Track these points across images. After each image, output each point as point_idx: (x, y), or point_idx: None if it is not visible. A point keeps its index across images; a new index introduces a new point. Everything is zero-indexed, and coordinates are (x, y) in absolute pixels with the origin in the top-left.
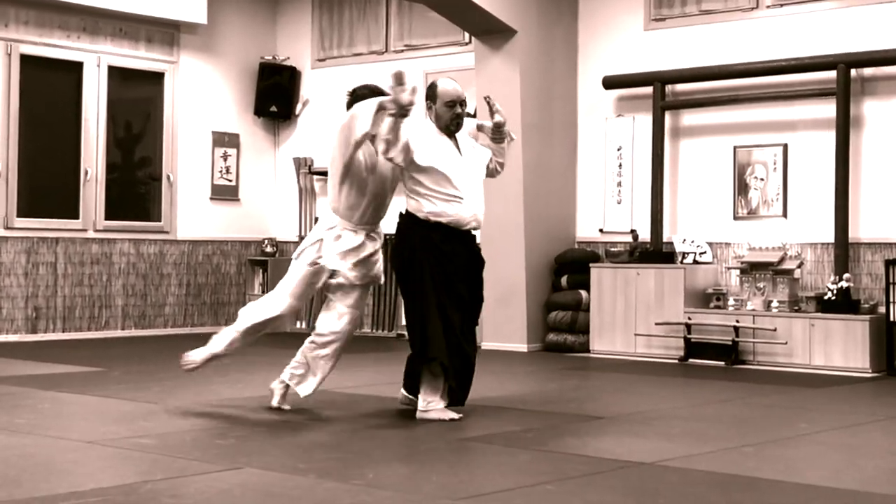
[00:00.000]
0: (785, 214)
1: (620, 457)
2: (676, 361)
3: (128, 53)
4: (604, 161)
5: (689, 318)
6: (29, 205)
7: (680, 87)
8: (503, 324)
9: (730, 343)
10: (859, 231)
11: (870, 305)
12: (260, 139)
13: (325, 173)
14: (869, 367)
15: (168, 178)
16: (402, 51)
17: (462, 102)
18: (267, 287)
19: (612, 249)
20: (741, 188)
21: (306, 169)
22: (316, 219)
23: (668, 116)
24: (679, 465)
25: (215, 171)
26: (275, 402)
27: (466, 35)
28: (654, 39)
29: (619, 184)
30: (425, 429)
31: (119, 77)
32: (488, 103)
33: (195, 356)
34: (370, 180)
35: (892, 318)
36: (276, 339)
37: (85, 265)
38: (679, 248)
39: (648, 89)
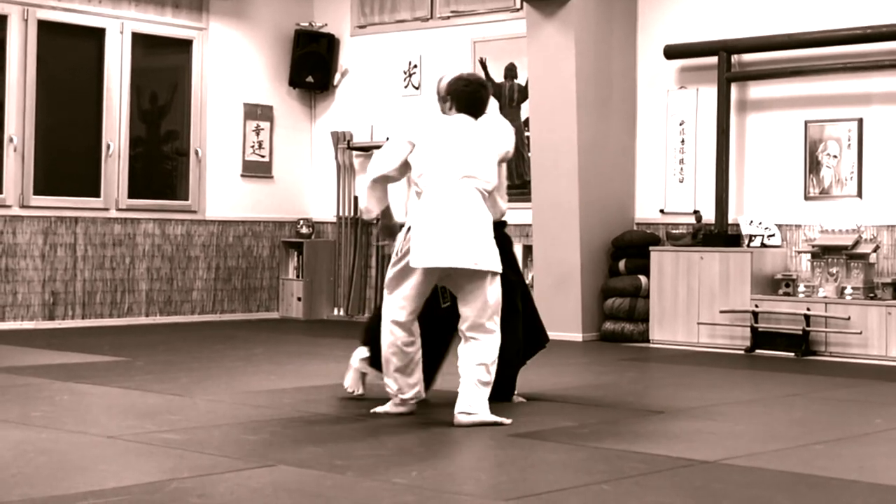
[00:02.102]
0: (860, 194)
1: (681, 455)
2: (742, 352)
3: (153, 19)
4: (665, 137)
5: (756, 306)
6: (46, 182)
7: (747, 56)
8: (557, 311)
9: (800, 333)
10: None
11: None
12: (295, 112)
13: (364, 149)
14: None
15: (196, 153)
16: (449, 17)
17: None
18: (302, 272)
19: (674, 232)
20: (812, 166)
21: (345, 144)
22: (355, 198)
23: (734, 88)
24: (744, 463)
25: (247, 145)
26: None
27: (517, 0)
28: (720, 5)
29: (682, 161)
30: (470, 425)
31: (144, 44)
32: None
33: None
34: None
35: None
36: (314, 328)
37: (106, 247)
38: (745, 230)
39: (713, 59)
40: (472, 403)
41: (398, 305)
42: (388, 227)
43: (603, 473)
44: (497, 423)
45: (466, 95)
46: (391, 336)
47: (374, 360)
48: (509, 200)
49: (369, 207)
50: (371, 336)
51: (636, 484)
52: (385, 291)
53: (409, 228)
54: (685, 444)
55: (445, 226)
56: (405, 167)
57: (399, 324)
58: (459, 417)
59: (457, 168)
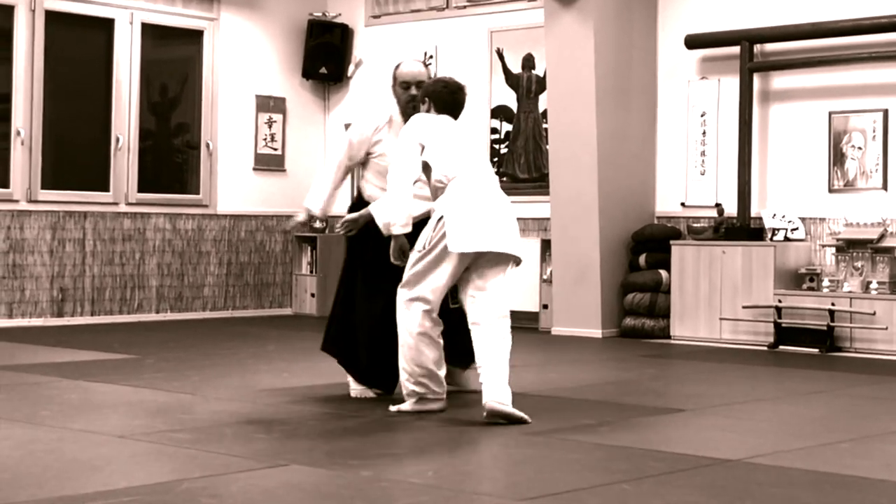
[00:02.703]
0: (885, 187)
1: (703, 453)
2: (765, 348)
3: (163, 9)
4: (686, 128)
5: (780, 301)
6: (54, 176)
7: (770, 46)
8: (575, 307)
9: (824, 328)
10: None
11: None
12: (308, 104)
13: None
14: None
15: (207, 146)
16: (465, 7)
17: (419, 83)
18: (315, 267)
19: (695, 225)
20: (837, 158)
21: None
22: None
23: (756, 79)
24: (768, 462)
25: (259, 138)
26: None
27: None
28: None
29: (703, 153)
30: (487, 423)
31: (154, 35)
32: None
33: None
34: None
35: None
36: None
37: (116, 242)
38: (768, 223)
39: (735, 49)
40: (505, 395)
41: (428, 294)
42: (403, 246)
43: (623, 473)
44: (521, 419)
45: (448, 97)
46: (421, 327)
47: (347, 364)
48: (526, 193)
49: (397, 220)
50: (338, 344)
51: (657, 483)
52: (404, 287)
53: (439, 217)
54: (707, 442)
55: (482, 211)
56: (421, 169)
57: (429, 312)
58: (494, 405)
59: (474, 159)
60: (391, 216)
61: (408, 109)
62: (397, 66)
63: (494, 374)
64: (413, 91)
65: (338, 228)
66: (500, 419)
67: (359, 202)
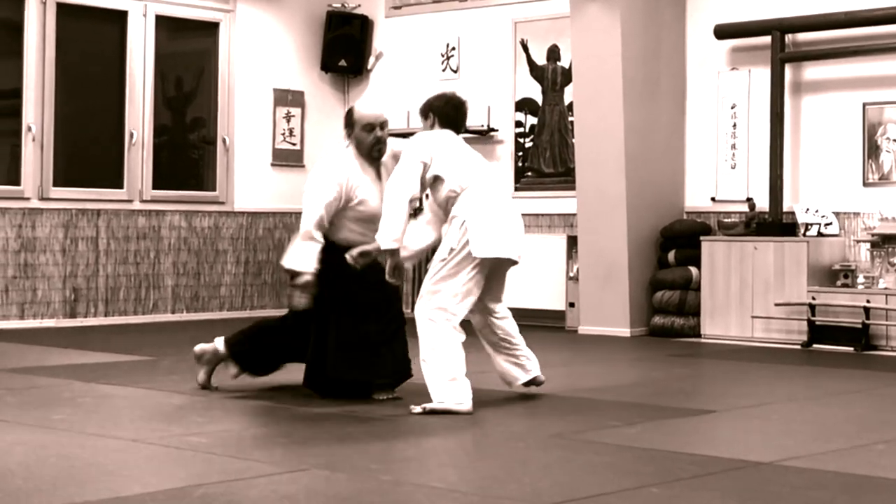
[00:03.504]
0: None
1: (735, 455)
2: (799, 347)
3: (178, 1)
4: (716, 121)
5: (813, 299)
6: (67, 172)
7: (802, 35)
8: (603, 305)
9: (859, 326)
10: None
11: None
12: (327, 97)
13: (400, 136)
14: None
15: (224, 141)
16: None
17: (383, 125)
18: None
19: (726, 220)
20: (871, 150)
21: None
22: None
23: (788, 69)
24: (802, 464)
25: (277, 133)
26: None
27: None
28: None
29: (734, 146)
30: (514, 425)
31: (168, 28)
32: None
33: None
34: None
35: None
36: None
37: (130, 240)
38: (801, 218)
39: (766, 39)
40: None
41: (451, 305)
42: (400, 264)
43: (652, 476)
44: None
45: (452, 112)
46: (455, 340)
47: (247, 364)
48: (552, 188)
49: (391, 235)
50: (248, 344)
51: (687, 487)
52: (428, 298)
53: (463, 221)
54: (738, 444)
55: (500, 218)
56: (421, 187)
57: (451, 321)
58: (541, 377)
59: (484, 169)
60: (386, 231)
61: (373, 152)
62: (352, 111)
63: (527, 352)
64: (378, 133)
65: (351, 262)
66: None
67: (332, 247)
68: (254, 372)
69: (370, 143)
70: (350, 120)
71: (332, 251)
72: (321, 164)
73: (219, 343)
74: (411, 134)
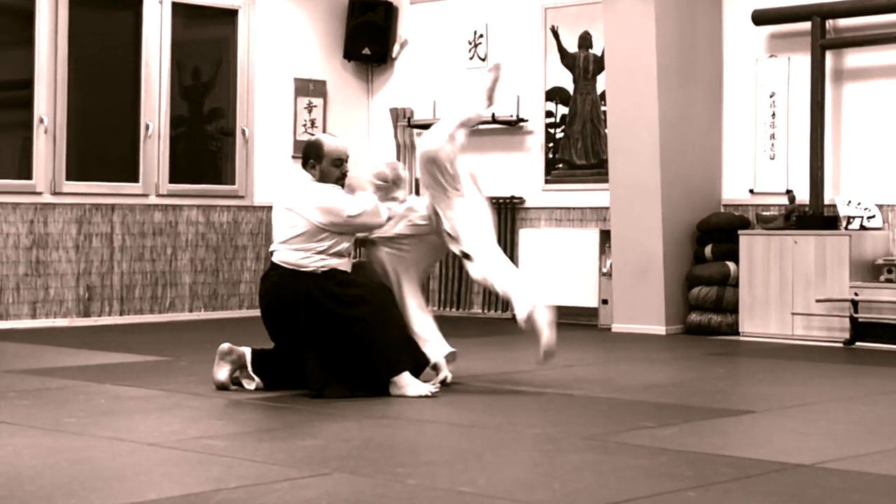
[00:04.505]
0: None
1: (774, 458)
2: (840, 345)
3: None
4: (754, 110)
5: (856, 295)
6: (80, 166)
7: (843, 21)
8: (637, 302)
9: None
10: None
11: None
12: (350, 87)
13: (426, 126)
14: None
15: (243, 133)
16: None
17: (347, 159)
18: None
19: (765, 214)
20: None
21: (405, 121)
22: (416, 180)
23: (829, 56)
24: (844, 467)
25: (298, 124)
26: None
27: None
28: None
29: (772, 136)
30: (545, 426)
31: (185, 15)
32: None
33: None
34: None
35: None
36: None
37: (146, 236)
38: (843, 211)
39: (806, 25)
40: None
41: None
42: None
43: (688, 479)
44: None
45: None
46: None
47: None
48: (584, 181)
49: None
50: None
51: (725, 491)
52: None
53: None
54: (778, 446)
55: None
56: None
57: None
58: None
59: None
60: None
61: (339, 185)
62: (321, 143)
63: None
64: (345, 168)
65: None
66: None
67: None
68: (274, 387)
69: (336, 176)
70: (319, 152)
71: (306, 277)
72: (316, 187)
73: (247, 350)
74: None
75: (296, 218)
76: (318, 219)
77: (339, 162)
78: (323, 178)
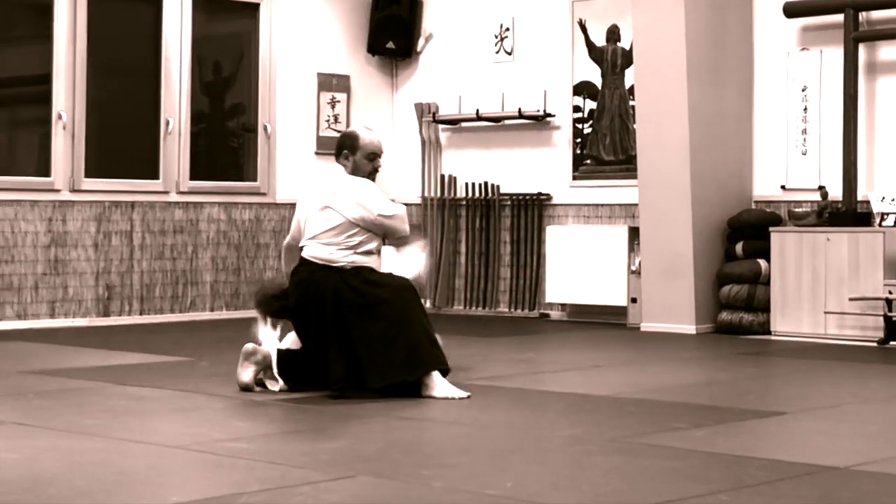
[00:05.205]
0: None
1: (807, 460)
2: (874, 344)
3: None
4: (785, 104)
5: (890, 293)
6: (99, 163)
7: (877, 13)
8: (667, 301)
9: None
10: None
11: None
12: (374, 82)
13: (452, 122)
14: None
15: (265, 129)
16: None
17: (381, 155)
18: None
19: (797, 210)
20: None
21: (430, 117)
22: (442, 176)
23: (862, 49)
24: (879, 469)
25: (321, 120)
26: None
27: None
28: None
29: (805, 131)
30: (573, 428)
31: (206, 9)
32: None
33: None
34: None
35: None
36: None
37: (166, 234)
38: (877, 207)
39: (839, 17)
40: None
41: None
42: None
43: (719, 482)
44: None
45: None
46: None
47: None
48: (612, 177)
49: None
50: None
51: (757, 494)
52: None
53: None
54: (811, 448)
55: None
56: None
57: None
58: None
59: None
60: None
61: (370, 179)
62: (356, 136)
63: None
64: (378, 163)
65: None
66: None
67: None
68: (299, 389)
69: (369, 170)
70: (354, 144)
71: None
72: (352, 180)
73: (272, 350)
74: (463, 120)
75: (330, 212)
76: (351, 213)
77: (373, 156)
78: (355, 171)
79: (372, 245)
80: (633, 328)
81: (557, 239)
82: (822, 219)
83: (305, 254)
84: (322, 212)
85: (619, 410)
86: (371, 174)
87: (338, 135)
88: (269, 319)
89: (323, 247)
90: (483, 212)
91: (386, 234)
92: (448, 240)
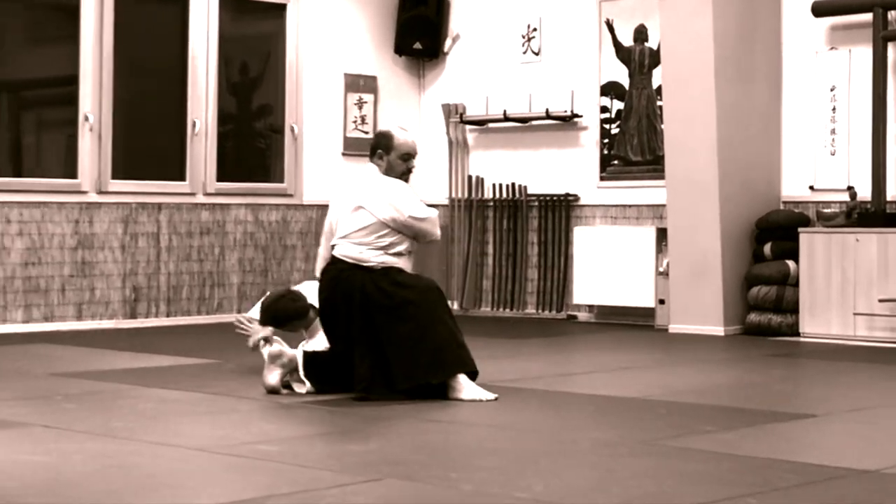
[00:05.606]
0: None
1: (837, 463)
2: None
3: None
4: (814, 104)
5: None
6: (126, 164)
7: None
8: (694, 302)
9: None
10: None
11: None
12: (401, 82)
13: (479, 122)
14: None
15: (292, 130)
16: None
17: (415, 154)
18: None
19: (825, 211)
20: None
21: (457, 117)
22: (469, 177)
23: (891, 48)
24: None
25: (348, 120)
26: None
27: None
28: None
29: (833, 131)
30: (602, 430)
31: (233, 9)
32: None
33: None
34: None
35: None
36: None
37: (193, 236)
38: None
39: (868, 16)
40: None
41: None
42: None
43: (749, 485)
44: None
45: None
46: None
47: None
48: (640, 177)
49: None
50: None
51: (786, 497)
52: None
53: None
54: (842, 451)
55: None
56: None
57: None
58: None
59: None
60: None
61: (403, 180)
62: (391, 135)
63: None
64: (412, 163)
65: None
66: None
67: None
68: (326, 391)
69: (402, 171)
70: (389, 144)
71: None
72: (386, 180)
73: (298, 353)
74: (490, 121)
75: (363, 212)
76: (383, 213)
77: (407, 157)
78: (388, 171)
79: (402, 246)
80: (660, 330)
81: (585, 240)
82: (850, 219)
83: (336, 252)
84: (355, 212)
85: (649, 413)
86: (405, 174)
87: (365, 136)
88: (270, 328)
89: (354, 246)
90: (510, 213)
91: (416, 237)
92: (475, 241)
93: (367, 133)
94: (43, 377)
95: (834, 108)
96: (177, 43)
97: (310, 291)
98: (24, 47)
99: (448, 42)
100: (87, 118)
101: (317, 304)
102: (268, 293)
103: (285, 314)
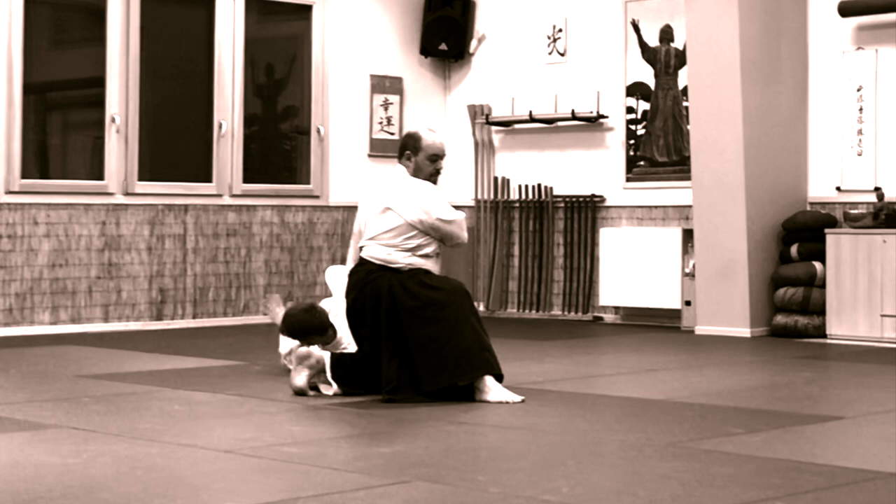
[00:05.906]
0: None
1: (866, 466)
2: None
3: None
4: (841, 105)
5: None
6: (152, 166)
7: None
8: (721, 304)
9: None
10: None
11: None
12: (427, 83)
13: (505, 123)
14: None
15: (318, 131)
16: None
17: (443, 156)
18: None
19: (852, 212)
20: None
21: (483, 118)
22: (495, 179)
23: None
24: None
25: (374, 122)
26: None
27: None
28: None
29: (860, 132)
30: (628, 432)
31: (258, 11)
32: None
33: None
34: None
35: None
36: None
37: (219, 237)
38: None
39: (894, 16)
40: None
41: None
42: None
43: (776, 488)
44: None
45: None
46: None
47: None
48: (666, 178)
49: None
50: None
51: (814, 500)
52: None
53: None
54: (870, 453)
55: None
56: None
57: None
58: None
59: None
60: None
61: (431, 181)
62: (419, 136)
63: None
64: (440, 164)
65: None
66: None
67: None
68: (353, 393)
69: (430, 172)
70: (417, 145)
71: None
72: (421, 184)
73: (326, 355)
74: (516, 122)
75: (391, 214)
76: (410, 215)
77: (435, 158)
78: (416, 172)
79: (430, 248)
80: (687, 331)
81: (611, 241)
82: (878, 220)
83: (364, 254)
84: (383, 214)
85: (675, 415)
86: (433, 176)
87: (390, 137)
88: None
89: (381, 247)
90: (536, 214)
91: (443, 239)
92: (501, 242)
93: (392, 134)
94: (70, 379)
95: (861, 109)
96: (203, 45)
97: (337, 276)
98: (50, 49)
99: (474, 43)
100: (113, 120)
101: (342, 292)
102: (290, 304)
103: (306, 327)
